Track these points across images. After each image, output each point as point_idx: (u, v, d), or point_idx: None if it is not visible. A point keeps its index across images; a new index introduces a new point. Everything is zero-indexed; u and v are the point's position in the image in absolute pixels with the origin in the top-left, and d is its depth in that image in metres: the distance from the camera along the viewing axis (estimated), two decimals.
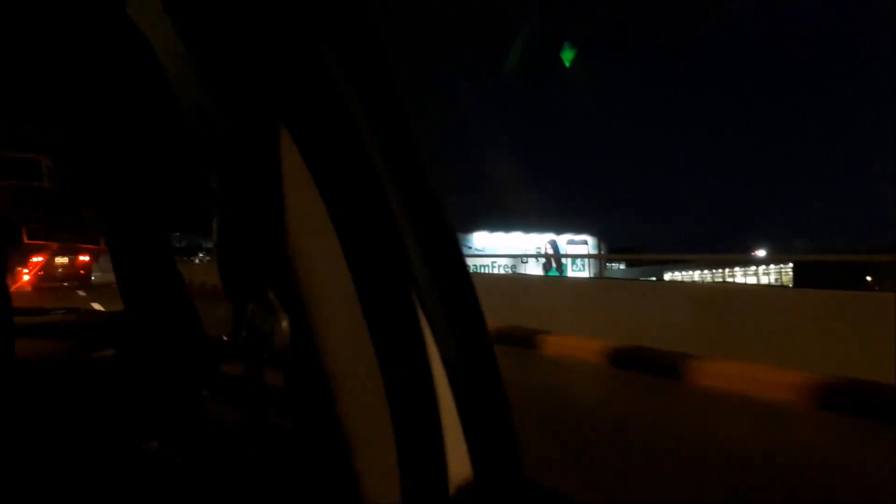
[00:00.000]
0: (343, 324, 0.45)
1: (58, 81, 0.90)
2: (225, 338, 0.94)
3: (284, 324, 0.45)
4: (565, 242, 29.27)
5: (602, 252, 29.38)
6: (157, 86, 0.68)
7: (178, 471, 0.76)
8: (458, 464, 0.46)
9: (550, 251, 27.84)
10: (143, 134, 0.97)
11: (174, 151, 1.01)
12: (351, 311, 0.45)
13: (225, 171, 0.49)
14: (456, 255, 0.52)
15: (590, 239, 29.97)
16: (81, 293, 11.39)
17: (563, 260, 25.71)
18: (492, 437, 0.49)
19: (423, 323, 0.47)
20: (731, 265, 31.18)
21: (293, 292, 0.45)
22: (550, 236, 28.76)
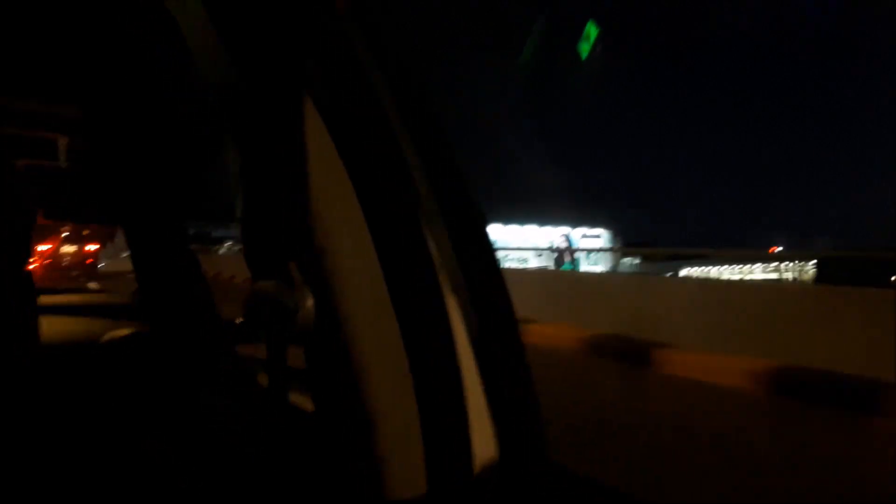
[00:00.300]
0: (368, 301, 0.43)
1: (75, 57, 0.89)
2: (239, 320, 0.93)
3: (309, 302, 0.43)
4: (580, 236, 29.09)
5: (617, 246, 29.14)
6: (177, 58, 0.66)
7: (192, 456, 0.75)
8: (484, 443, 0.45)
9: (564, 245, 27.69)
10: (162, 112, 0.95)
11: (192, 131, 1.00)
12: (376, 288, 0.43)
13: (248, 145, 0.48)
14: (481, 233, 0.50)
15: (604, 233, 29.75)
16: (92, 285, 11.28)
17: (577, 254, 25.57)
18: (518, 417, 0.48)
19: (450, 302, 0.46)
20: (751, 261, 30.73)
21: (317, 269, 0.44)
22: (565, 230, 28.61)
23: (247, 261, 0.48)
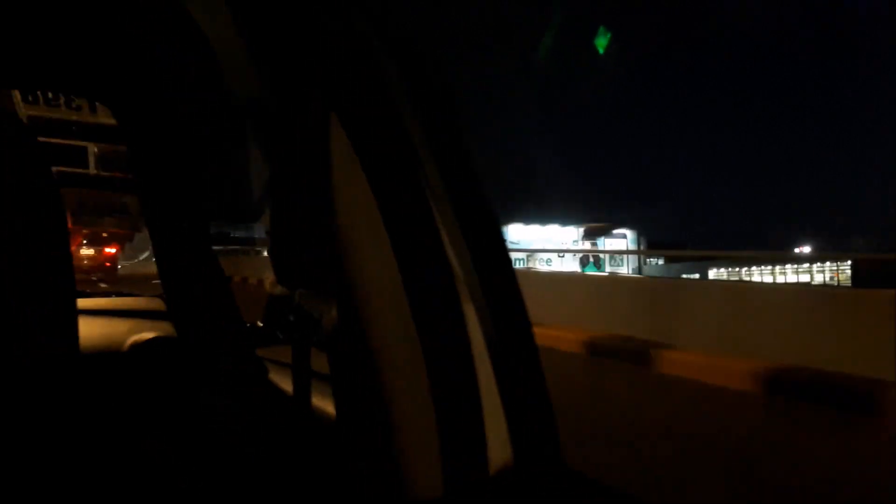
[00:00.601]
0: (388, 309, 0.45)
1: (109, 68, 0.92)
2: (260, 323, 0.96)
3: (333, 311, 0.45)
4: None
5: (642, 247, 28.66)
6: (207, 71, 0.69)
7: (192, 456, 0.76)
8: (499, 447, 0.46)
9: (588, 245, 27.34)
10: (191, 121, 0.99)
11: (220, 137, 1.03)
12: (396, 296, 0.44)
13: (276, 159, 0.50)
14: (498, 241, 0.51)
15: (629, 233, 29.26)
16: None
17: (601, 255, 25.21)
18: (532, 422, 0.49)
19: (467, 309, 0.47)
20: (781, 263, 29.89)
21: (341, 278, 0.45)
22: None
23: (273, 265, 0.50)
